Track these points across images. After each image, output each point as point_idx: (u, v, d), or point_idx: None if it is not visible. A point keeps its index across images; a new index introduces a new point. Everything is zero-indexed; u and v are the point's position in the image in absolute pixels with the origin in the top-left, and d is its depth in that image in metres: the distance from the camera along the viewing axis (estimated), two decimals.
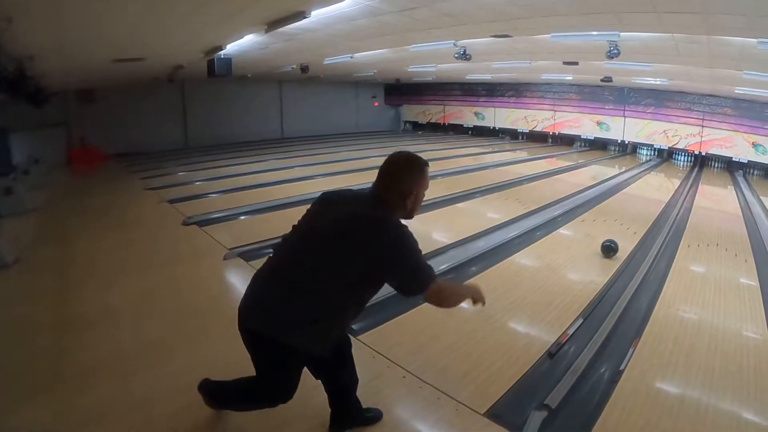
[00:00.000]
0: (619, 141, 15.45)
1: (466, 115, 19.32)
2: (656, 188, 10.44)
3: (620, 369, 2.97)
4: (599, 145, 16.09)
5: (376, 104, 21.36)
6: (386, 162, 1.85)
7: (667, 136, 14.20)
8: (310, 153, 13.32)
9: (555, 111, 16.70)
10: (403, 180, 1.80)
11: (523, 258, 5.11)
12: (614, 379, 2.86)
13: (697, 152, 13.68)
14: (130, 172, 10.32)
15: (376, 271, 1.71)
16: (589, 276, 4.61)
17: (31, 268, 4.64)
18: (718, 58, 6.72)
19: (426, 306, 1.91)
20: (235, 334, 1.83)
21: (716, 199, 9.96)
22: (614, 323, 3.59)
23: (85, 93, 12.19)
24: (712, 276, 4.81)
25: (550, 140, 17.41)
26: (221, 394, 2.18)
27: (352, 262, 1.69)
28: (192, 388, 2.25)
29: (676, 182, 11.07)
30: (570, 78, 13.50)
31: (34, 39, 4.94)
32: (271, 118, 17.50)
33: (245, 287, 1.88)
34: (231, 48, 7.21)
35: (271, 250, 1.95)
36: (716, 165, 13.66)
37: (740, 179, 12.01)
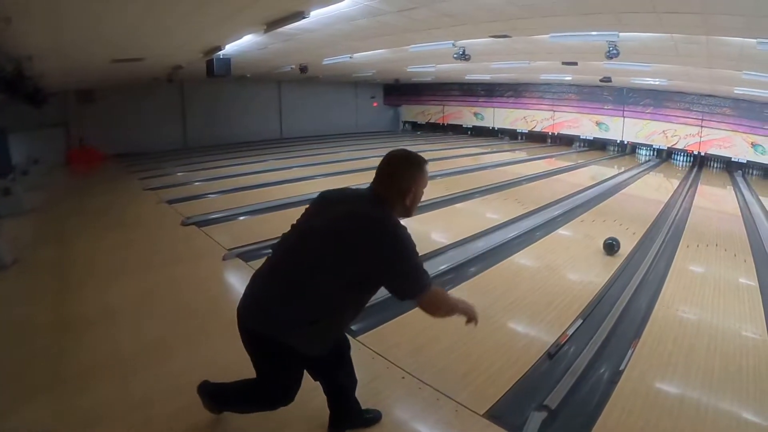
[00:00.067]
0: (618, 141, 15.47)
1: (465, 115, 19.33)
2: (655, 188, 10.45)
3: (620, 369, 2.97)
4: (598, 146, 16.11)
5: (375, 104, 21.35)
6: (385, 160, 1.84)
7: (666, 137, 14.22)
8: (309, 153, 13.32)
9: (554, 111, 16.71)
10: (402, 177, 1.79)
11: (522, 258, 5.11)
12: (614, 380, 2.86)
13: (696, 152, 13.69)
14: (129, 173, 10.31)
15: (375, 270, 1.69)
16: (589, 276, 4.61)
17: (30, 268, 4.64)
18: (717, 59, 6.73)
19: None
20: (235, 334, 1.83)
21: (715, 199, 9.97)
22: (614, 324, 3.59)
23: (85, 93, 12.18)
24: (711, 276, 4.82)
25: (549, 140, 17.42)
26: (221, 395, 2.17)
27: (351, 261, 1.68)
28: (192, 388, 2.24)
29: (675, 182, 11.08)
30: (569, 78, 13.51)
31: (33, 39, 4.93)
32: (270, 118, 17.50)
33: (244, 288, 1.88)
34: (230, 48, 7.21)
35: (270, 251, 1.95)
36: (715, 165, 13.67)
37: (739, 179, 12.02)
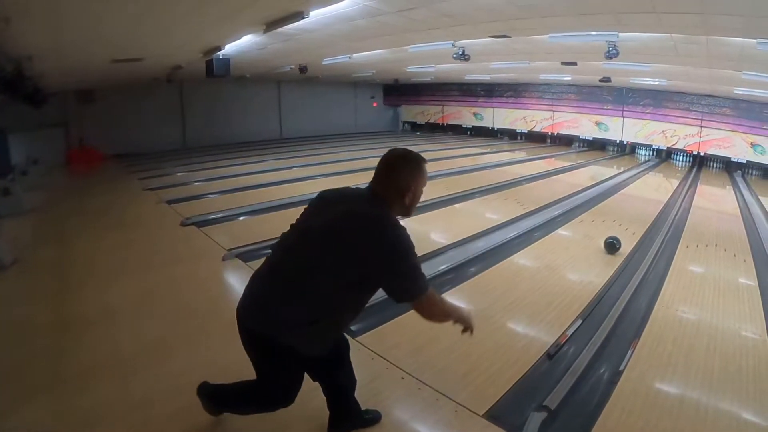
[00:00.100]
0: (617, 141, 15.47)
1: (464, 115, 19.33)
2: (655, 188, 10.45)
3: (619, 370, 2.97)
4: (598, 146, 16.11)
5: (375, 105, 21.35)
6: (383, 159, 1.84)
7: (666, 137, 14.22)
8: (308, 153, 13.32)
9: (553, 111, 16.72)
10: (400, 176, 1.79)
11: (522, 258, 5.12)
12: (613, 380, 2.86)
13: (695, 152, 13.70)
14: (128, 173, 10.30)
15: (374, 270, 1.68)
16: (588, 277, 4.62)
17: (29, 268, 4.64)
18: (716, 59, 6.74)
19: None
20: (235, 334, 1.83)
21: (715, 199, 9.98)
22: (613, 324, 3.59)
23: (84, 93, 12.17)
24: (710, 276, 4.82)
25: (548, 140, 17.42)
26: (221, 397, 2.16)
27: (350, 261, 1.68)
28: (192, 388, 2.24)
29: (675, 182, 11.08)
30: (568, 78, 13.52)
31: (32, 39, 4.93)
32: (269, 118, 17.49)
33: (243, 288, 1.88)
34: (229, 48, 7.21)
35: (270, 251, 1.95)
36: (715, 165, 13.67)
37: (739, 179, 12.02)
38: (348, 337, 2.48)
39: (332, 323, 1.81)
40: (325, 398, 2.17)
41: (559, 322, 3.62)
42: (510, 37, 6.59)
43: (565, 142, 17.07)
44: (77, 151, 12.03)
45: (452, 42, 7.26)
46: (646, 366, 3.03)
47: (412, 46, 7.56)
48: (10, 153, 9.36)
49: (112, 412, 2.41)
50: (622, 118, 15.09)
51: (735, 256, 5.51)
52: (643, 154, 15.22)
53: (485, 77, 14.97)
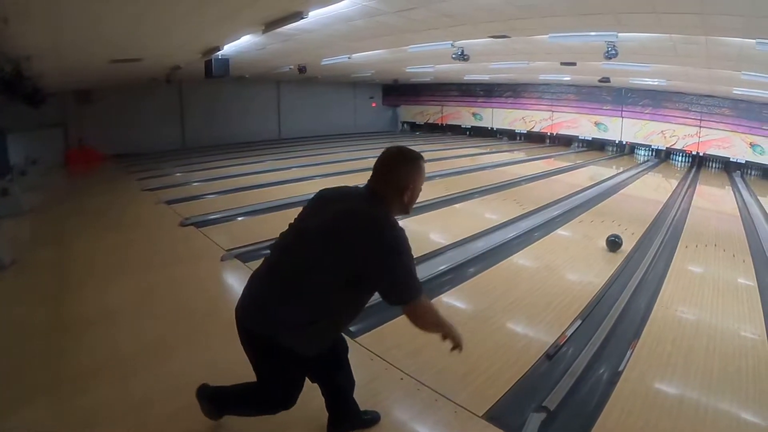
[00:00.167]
0: (616, 141, 15.48)
1: (463, 115, 19.34)
2: (654, 189, 10.46)
3: (619, 370, 2.97)
4: (597, 146, 16.12)
5: (374, 105, 21.35)
6: (381, 157, 1.83)
7: (665, 137, 14.24)
8: (307, 153, 13.32)
9: (553, 111, 16.73)
10: (399, 174, 1.78)
11: (521, 259, 5.12)
12: (613, 381, 2.86)
13: (694, 153, 13.72)
14: (127, 173, 10.29)
15: (371, 270, 1.67)
16: (588, 277, 4.62)
17: (28, 268, 4.63)
18: (716, 59, 6.74)
19: None
20: (235, 334, 1.83)
21: (714, 199, 9.99)
22: (613, 324, 3.59)
23: (83, 94, 12.15)
24: (710, 276, 4.82)
25: (547, 141, 17.44)
26: (221, 399, 2.15)
27: (348, 260, 1.67)
28: (192, 389, 2.23)
29: (674, 183, 11.09)
30: (568, 78, 13.53)
31: (31, 39, 4.93)
32: (268, 118, 17.48)
33: (242, 288, 1.87)
34: (228, 48, 7.21)
35: (268, 251, 1.94)
36: (714, 165, 13.70)
37: (738, 180, 12.05)
38: (347, 337, 2.48)
39: (331, 323, 1.81)
40: (323, 399, 2.16)
41: (558, 322, 3.61)
42: (509, 37, 6.60)
43: (564, 142, 17.08)
44: (76, 152, 12.00)
45: (451, 42, 7.27)
46: (645, 366, 3.03)
47: (411, 46, 7.56)
48: (9, 153, 9.34)
49: (112, 413, 2.41)
50: (621, 119, 15.10)
51: (734, 256, 5.51)
52: (642, 155, 15.24)
53: (484, 77, 14.98)
